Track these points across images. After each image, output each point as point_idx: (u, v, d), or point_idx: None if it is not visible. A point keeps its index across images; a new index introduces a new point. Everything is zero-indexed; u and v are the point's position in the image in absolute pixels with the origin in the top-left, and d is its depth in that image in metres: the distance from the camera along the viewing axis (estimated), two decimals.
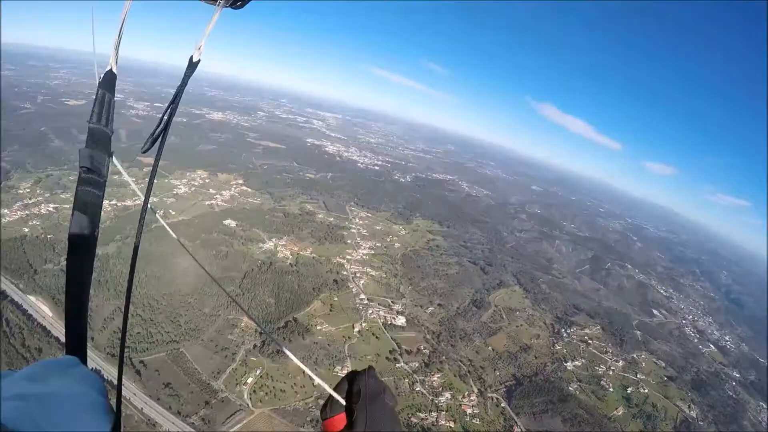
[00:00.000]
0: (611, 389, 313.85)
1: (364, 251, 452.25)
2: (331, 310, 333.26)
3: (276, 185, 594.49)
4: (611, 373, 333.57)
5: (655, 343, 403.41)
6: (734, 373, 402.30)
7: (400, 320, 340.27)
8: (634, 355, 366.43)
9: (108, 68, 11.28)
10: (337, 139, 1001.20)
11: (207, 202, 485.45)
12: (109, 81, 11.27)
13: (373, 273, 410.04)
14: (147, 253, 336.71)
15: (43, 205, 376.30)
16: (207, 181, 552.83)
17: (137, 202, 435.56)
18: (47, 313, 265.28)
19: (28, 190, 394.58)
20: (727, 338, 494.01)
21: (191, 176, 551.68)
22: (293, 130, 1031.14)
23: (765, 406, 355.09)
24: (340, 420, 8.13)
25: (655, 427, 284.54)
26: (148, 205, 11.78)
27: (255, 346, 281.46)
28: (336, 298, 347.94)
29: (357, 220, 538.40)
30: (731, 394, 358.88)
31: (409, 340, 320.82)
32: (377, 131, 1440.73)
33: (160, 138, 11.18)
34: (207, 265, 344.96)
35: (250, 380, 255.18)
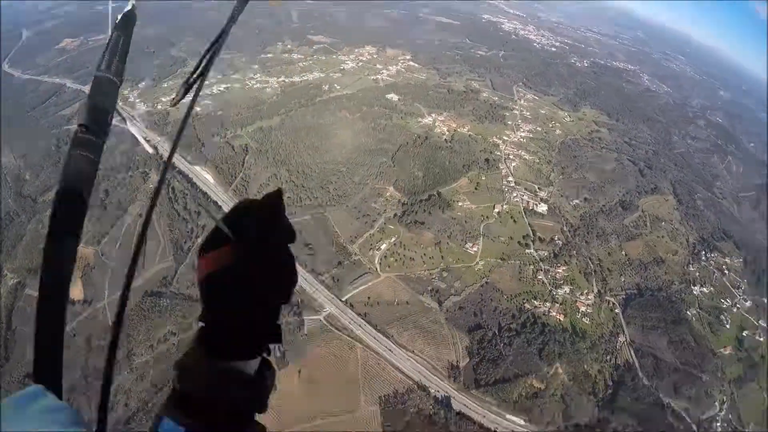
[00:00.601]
0: (728, 326, 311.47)
1: (523, 134, 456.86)
2: (476, 189, 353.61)
3: (444, 61, 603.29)
4: (735, 310, 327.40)
5: None
6: None
7: (542, 207, 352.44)
8: (765, 300, 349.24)
9: (128, 8, 10.54)
10: (516, 16, 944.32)
11: (372, 77, 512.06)
12: (127, 23, 10.39)
13: (527, 157, 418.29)
14: (308, 125, 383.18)
15: (215, 86, 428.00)
16: (374, 56, 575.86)
17: (304, 77, 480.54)
18: (210, 180, 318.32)
19: None
20: None
21: (359, 52, 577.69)
22: (469, 6, 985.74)
23: None
24: (224, 254, 6.53)
25: (754, 376, 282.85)
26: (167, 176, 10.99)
27: (395, 215, 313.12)
28: (483, 178, 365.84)
29: (522, 101, 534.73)
30: None
31: (546, 229, 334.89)
32: (561, 10, 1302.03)
33: (196, 85, 10.45)
34: (363, 137, 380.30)
35: (383, 246, 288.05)
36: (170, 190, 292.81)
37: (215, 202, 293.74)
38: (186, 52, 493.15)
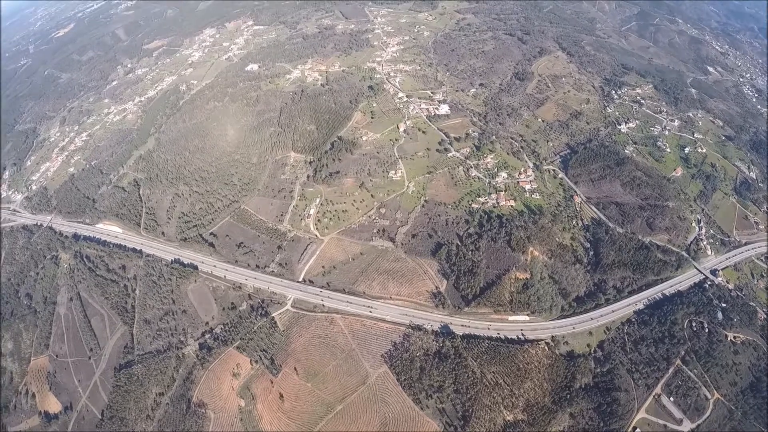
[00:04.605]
0: (668, 150, 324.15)
1: (393, 49, 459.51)
2: (372, 118, 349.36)
3: (287, 12, 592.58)
4: (667, 133, 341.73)
5: (712, 101, 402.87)
6: None
7: (444, 109, 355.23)
8: (690, 114, 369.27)
9: None
10: None
11: (224, 57, 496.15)
12: None
13: (407, 68, 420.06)
14: (184, 131, 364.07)
15: (76, 139, 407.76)
16: (217, 36, 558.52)
17: (158, 87, 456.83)
18: (118, 231, 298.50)
19: (58, 134, 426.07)
20: None
21: (200, 39, 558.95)
22: None
23: None
24: None
25: (714, 187, 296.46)
26: None
27: (308, 176, 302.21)
28: (375, 104, 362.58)
29: (379, 19, 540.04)
30: None
31: (457, 127, 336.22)
32: None
33: None
34: (242, 117, 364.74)
35: (312, 212, 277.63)
36: (85, 259, 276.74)
37: (134, 249, 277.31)
38: (33, 120, 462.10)
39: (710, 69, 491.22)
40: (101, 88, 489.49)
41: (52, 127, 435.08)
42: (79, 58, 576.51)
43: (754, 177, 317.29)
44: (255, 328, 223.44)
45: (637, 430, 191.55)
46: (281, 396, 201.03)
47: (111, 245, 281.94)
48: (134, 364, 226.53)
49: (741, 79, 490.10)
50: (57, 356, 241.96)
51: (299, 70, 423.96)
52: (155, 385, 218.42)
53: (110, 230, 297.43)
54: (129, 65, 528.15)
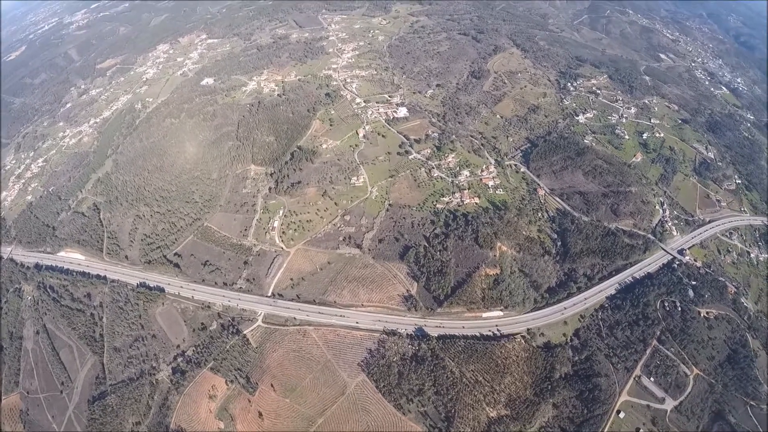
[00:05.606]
0: (627, 137, 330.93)
1: (348, 55, 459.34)
2: (331, 125, 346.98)
3: (240, 24, 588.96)
4: (624, 120, 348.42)
5: (666, 87, 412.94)
6: (748, 115, 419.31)
7: (402, 112, 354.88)
8: (646, 101, 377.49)
9: None
10: None
11: (179, 72, 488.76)
12: None
13: (363, 74, 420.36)
14: (142, 151, 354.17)
15: (33, 165, 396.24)
16: (171, 52, 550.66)
17: (114, 107, 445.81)
18: (80, 258, 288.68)
19: (14, 161, 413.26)
20: (738, 80, 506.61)
21: (154, 55, 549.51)
22: None
23: None
24: None
25: (675, 169, 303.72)
26: None
27: (270, 189, 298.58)
28: (333, 112, 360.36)
29: (333, 26, 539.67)
30: (746, 135, 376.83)
31: (416, 129, 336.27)
32: None
33: None
34: (200, 133, 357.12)
35: (276, 223, 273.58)
36: (49, 290, 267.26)
37: (98, 276, 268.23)
38: None
39: (662, 56, 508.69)
40: (55, 111, 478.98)
41: (7, 154, 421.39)
42: (31, 81, 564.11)
43: (713, 157, 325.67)
44: (227, 347, 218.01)
45: (621, 413, 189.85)
46: (260, 414, 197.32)
47: (74, 273, 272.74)
48: (108, 395, 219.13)
49: (693, 64, 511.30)
50: (28, 393, 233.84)
51: (255, 82, 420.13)
52: (131, 414, 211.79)
53: (72, 258, 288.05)
54: (83, 86, 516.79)
